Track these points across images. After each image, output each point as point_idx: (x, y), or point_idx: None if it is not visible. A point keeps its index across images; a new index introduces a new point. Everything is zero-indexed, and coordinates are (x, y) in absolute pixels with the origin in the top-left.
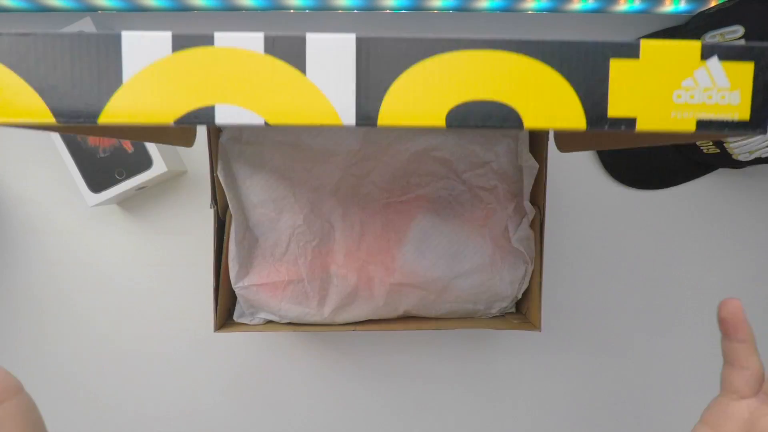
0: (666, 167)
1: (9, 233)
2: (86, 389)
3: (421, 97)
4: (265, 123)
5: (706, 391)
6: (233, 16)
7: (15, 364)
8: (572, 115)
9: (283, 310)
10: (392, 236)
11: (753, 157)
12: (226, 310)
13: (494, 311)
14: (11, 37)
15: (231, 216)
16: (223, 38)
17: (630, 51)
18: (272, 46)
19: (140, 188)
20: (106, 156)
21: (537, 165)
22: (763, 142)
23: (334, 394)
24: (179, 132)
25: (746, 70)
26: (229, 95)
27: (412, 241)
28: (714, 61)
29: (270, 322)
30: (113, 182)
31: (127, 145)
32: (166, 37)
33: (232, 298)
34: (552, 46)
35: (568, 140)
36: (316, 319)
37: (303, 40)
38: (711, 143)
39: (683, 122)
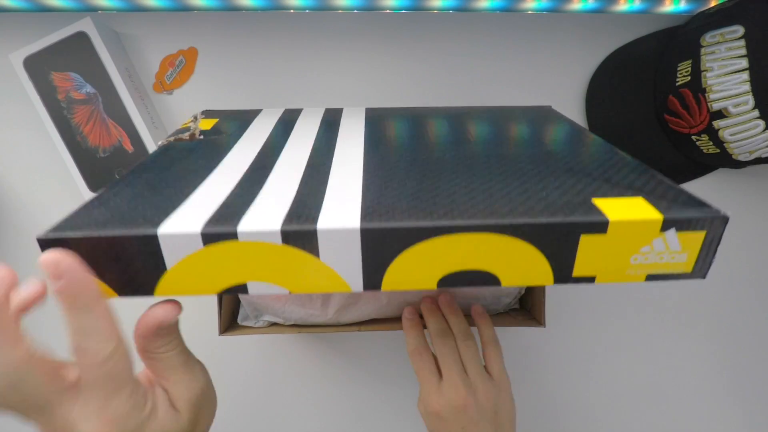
0: (666, 167)
1: (9, 233)
2: None
3: (417, 270)
4: (289, 292)
5: (708, 387)
6: (233, 17)
7: None
8: (543, 276)
9: (287, 311)
10: None
11: (753, 157)
12: (230, 314)
13: (499, 307)
14: (80, 240)
15: None
16: (245, 234)
17: (599, 228)
18: (288, 239)
19: None
20: (106, 156)
21: None
22: (764, 142)
23: (340, 394)
24: None
25: (698, 237)
26: (257, 275)
27: None
28: (671, 232)
29: (274, 324)
30: None
31: (127, 145)
32: (196, 235)
33: (236, 301)
34: (533, 228)
35: None
36: (321, 320)
37: (315, 233)
38: (711, 143)
39: (635, 277)
